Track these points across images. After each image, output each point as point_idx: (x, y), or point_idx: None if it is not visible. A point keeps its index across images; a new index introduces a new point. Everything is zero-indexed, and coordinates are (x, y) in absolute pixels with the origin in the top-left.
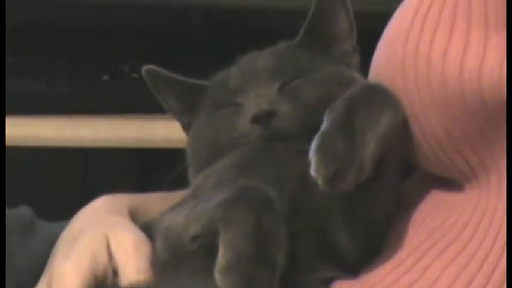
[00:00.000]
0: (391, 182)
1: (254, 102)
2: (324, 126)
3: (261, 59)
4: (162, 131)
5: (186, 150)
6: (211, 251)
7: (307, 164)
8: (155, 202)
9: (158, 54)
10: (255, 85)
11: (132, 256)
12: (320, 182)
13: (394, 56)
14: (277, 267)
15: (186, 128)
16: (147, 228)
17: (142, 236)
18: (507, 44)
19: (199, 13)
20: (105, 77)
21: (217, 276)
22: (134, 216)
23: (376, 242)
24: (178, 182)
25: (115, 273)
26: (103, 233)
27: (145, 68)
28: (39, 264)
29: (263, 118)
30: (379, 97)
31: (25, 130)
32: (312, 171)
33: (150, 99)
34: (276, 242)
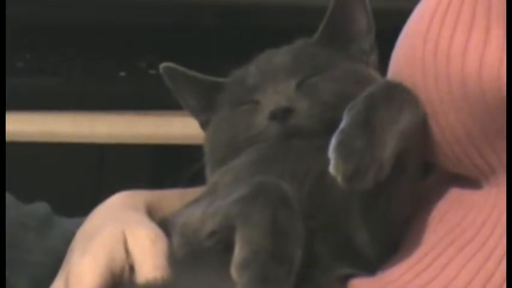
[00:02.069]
0: (410, 181)
1: (272, 99)
2: (343, 123)
3: (278, 57)
4: (179, 127)
5: (203, 147)
6: (227, 247)
7: (325, 161)
8: (172, 198)
9: (175, 51)
10: (272, 82)
11: (149, 252)
12: (339, 179)
13: (414, 54)
14: (293, 263)
15: (203, 125)
16: (164, 225)
17: (159, 232)
18: (507, 44)
19: (216, 10)
20: (122, 73)
21: (234, 272)
22: (151, 213)
23: (394, 240)
24: (195, 178)
25: (132, 269)
26: (120, 229)
27: (163, 65)
28: (56, 261)
29: (281, 115)
30: (399, 95)
31: (42, 126)
32: (331, 168)
33: (166, 95)
34: (292, 239)
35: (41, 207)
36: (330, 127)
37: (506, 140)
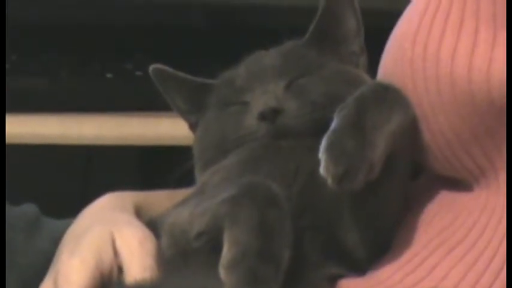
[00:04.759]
0: (400, 182)
1: (261, 100)
2: (334, 124)
3: (268, 58)
4: (166, 129)
5: (192, 148)
6: (216, 248)
7: (314, 162)
8: (160, 199)
9: (161, 52)
10: (261, 83)
11: (137, 253)
12: (329, 180)
13: (403, 56)
14: (282, 264)
15: (193, 127)
16: (152, 225)
17: (147, 232)
18: (507, 45)
19: (204, 11)
20: (109, 75)
21: (222, 272)
22: (139, 214)
23: (384, 241)
24: (182, 179)
25: (120, 270)
26: (108, 230)
27: (152, 67)
28: (44, 262)
29: (270, 115)
30: (389, 96)
31: (29, 128)
32: (322, 169)
33: (154, 96)
34: (281, 239)
35: (29, 208)
36: (319, 127)
37: (506, 141)
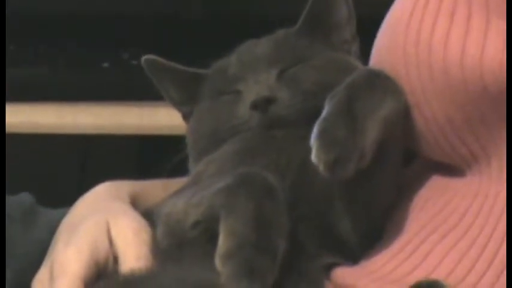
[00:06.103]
0: (392, 169)
1: (253, 89)
2: (325, 112)
3: (260, 46)
4: (162, 118)
5: (186, 139)
6: (212, 238)
7: (307, 151)
8: (156, 189)
9: (158, 42)
10: (254, 72)
11: (132, 243)
12: (321, 168)
13: (396, 43)
14: (277, 254)
15: (186, 117)
16: (148, 215)
17: (143, 222)
18: (507, 34)
19: (199, 1)
20: (105, 64)
21: (218, 263)
22: (135, 203)
23: (377, 228)
24: (178, 169)
25: (116, 259)
26: (104, 220)
27: (144, 57)
28: (40, 251)
29: (262, 104)
30: (380, 83)
31: (25, 117)
32: (313, 157)
33: (150, 86)
34: (276, 229)
35: (25, 198)
36: (312, 116)
37: (506, 138)
